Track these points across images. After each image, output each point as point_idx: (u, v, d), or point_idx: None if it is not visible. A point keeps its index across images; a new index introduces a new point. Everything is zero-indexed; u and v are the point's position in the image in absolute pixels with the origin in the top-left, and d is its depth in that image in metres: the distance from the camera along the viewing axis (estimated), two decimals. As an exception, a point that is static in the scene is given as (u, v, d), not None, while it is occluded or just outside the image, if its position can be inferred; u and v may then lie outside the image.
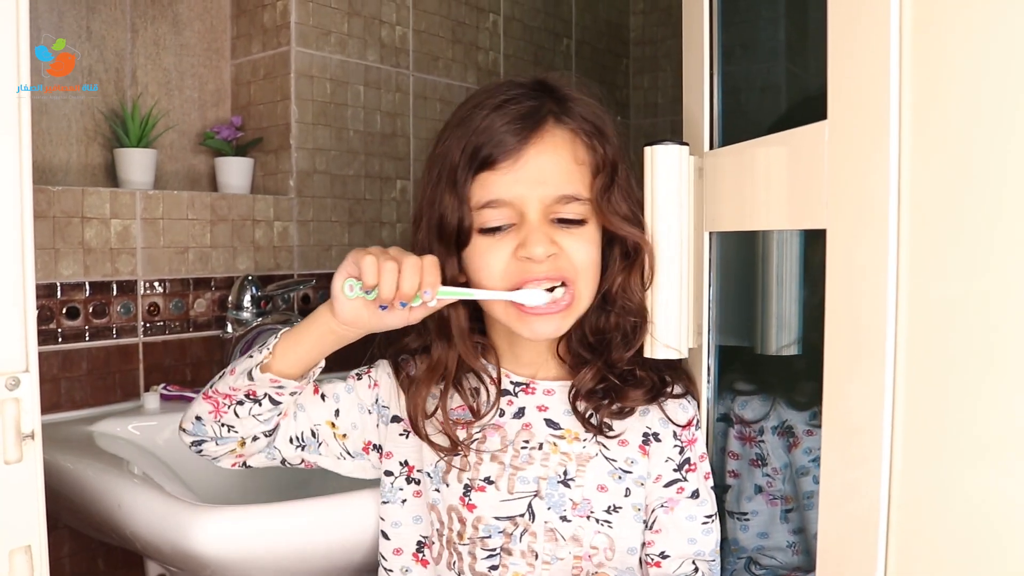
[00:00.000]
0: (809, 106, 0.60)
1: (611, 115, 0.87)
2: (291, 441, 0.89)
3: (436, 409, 0.88)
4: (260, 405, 0.85)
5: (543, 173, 0.81)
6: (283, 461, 0.91)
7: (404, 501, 0.91)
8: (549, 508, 0.85)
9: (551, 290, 0.82)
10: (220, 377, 0.87)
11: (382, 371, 0.93)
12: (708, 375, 0.87)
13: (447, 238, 0.84)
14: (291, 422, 0.89)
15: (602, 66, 2.31)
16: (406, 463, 0.91)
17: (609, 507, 0.86)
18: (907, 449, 0.51)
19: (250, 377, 0.83)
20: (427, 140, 1.76)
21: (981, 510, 0.47)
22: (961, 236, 0.47)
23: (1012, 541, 0.45)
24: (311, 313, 0.84)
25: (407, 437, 0.91)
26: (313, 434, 0.90)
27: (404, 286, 0.76)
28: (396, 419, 0.92)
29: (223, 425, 0.86)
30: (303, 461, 0.91)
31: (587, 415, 0.87)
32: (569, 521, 0.85)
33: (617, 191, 0.83)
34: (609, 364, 0.87)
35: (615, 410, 0.86)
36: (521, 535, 0.86)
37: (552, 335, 0.85)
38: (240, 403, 0.85)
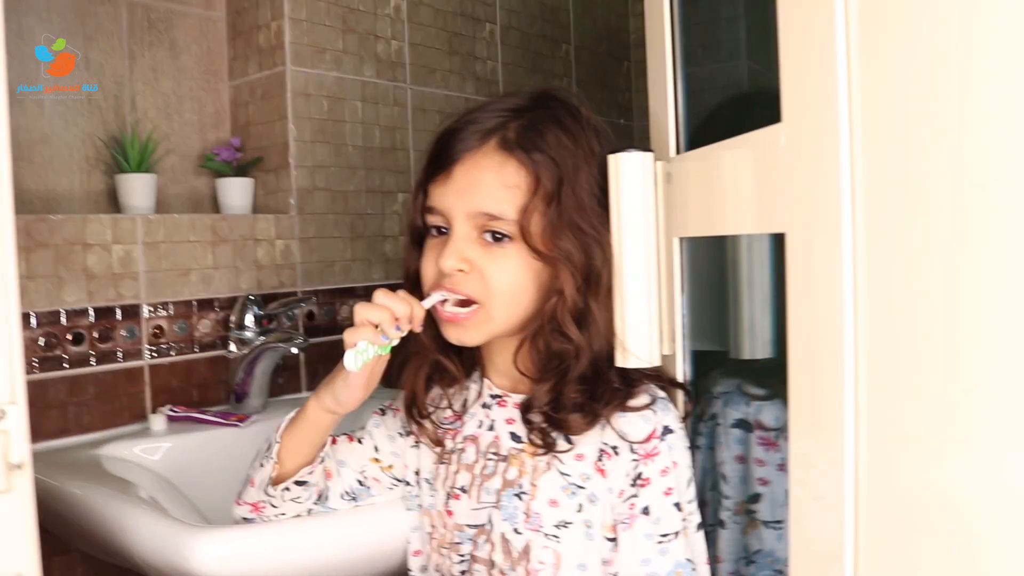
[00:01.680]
0: (773, 108, 0.60)
1: (589, 140, 0.87)
2: (342, 497, 0.96)
3: (428, 409, 0.94)
4: (292, 495, 0.92)
5: (467, 188, 0.85)
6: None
7: (420, 506, 0.96)
8: (504, 520, 0.87)
9: (465, 304, 0.85)
10: (244, 486, 0.95)
11: (401, 400, 0.98)
12: (684, 380, 0.87)
13: (413, 237, 0.92)
14: (337, 480, 0.96)
15: (603, 70, 2.31)
16: (418, 472, 0.97)
17: (559, 522, 0.85)
18: (871, 449, 0.51)
19: (268, 493, 0.91)
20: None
21: (946, 506, 0.47)
22: (916, 235, 0.47)
23: (978, 533, 0.45)
24: (304, 412, 0.91)
25: (417, 447, 0.96)
26: (361, 483, 0.97)
27: (397, 306, 0.82)
28: (410, 432, 0.97)
29: (272, 513, 0.94)
30: (358, 507, 0.97)
31: (536, 430, 0.86)
32: (520, 534, 0.86)
33: (558, 217, 0.83)
34: (562, 386, 0.85)
35: (564, 432, 0.85)
36: (483, 543, 0.89)
37: (459, 342, 0.88)
38: (273, 504, 0.93)
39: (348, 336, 0.82)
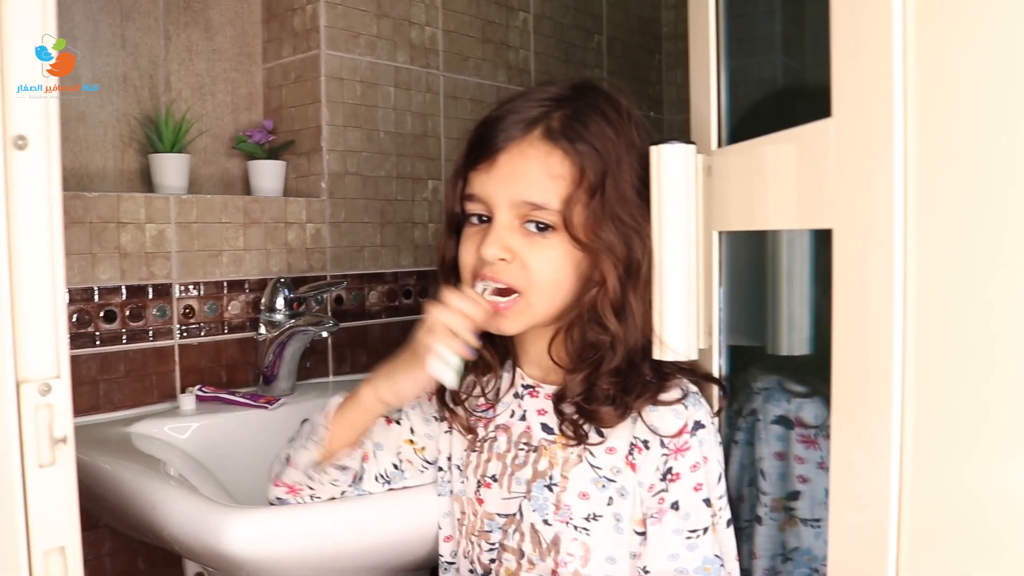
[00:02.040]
0: (820, 102, 0.59)
1: (630, 132, 0.86)
2: (376, 479, 0.96)
3: (460, 396, 0.94)
4: (331, 477, 0.92)
5: (512, 177, 0.84)
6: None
7: (452, 492, 0.96)
8: (534, 510, 0.87)
9: (505, 293, 0.85)
10: (283, 466, 0.94)
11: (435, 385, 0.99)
12: (719, 375, 0.86)
13: (450, 224, 0.92)
14: (373, 463, 0.95)
15: (634, 62, 2.30)
16: (450, 457, 0.96)
17: (589, 515, 0.85)
18: (917, 451, 0.51)
19: (309, 475, 0.92)
20: (458, 140, 1.77)
21: (993, 511, 0.47)
22: (969, 233, 0.47)
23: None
24: (356, 399, 0.91)
25: (450, 432, 0.97)
26: (396, 466, 0.96)
27: (470, 309, 0.83)
28: (443, 418, 0.97)
29: (308, 495, 0.94)
30: (391, 491, 0.97)
31: (568, 422, 0.86)
32: (550, 525, 0.86)
33: (601, 208, 0.83)
34: (595, 377, 0.85)
35: (595, 424, 0.86)
36: (513, 533, 0.89)
37: (498, 331, 0.88)
38: (311, 487, 0.93)
39: (426, 338, 0.83)
